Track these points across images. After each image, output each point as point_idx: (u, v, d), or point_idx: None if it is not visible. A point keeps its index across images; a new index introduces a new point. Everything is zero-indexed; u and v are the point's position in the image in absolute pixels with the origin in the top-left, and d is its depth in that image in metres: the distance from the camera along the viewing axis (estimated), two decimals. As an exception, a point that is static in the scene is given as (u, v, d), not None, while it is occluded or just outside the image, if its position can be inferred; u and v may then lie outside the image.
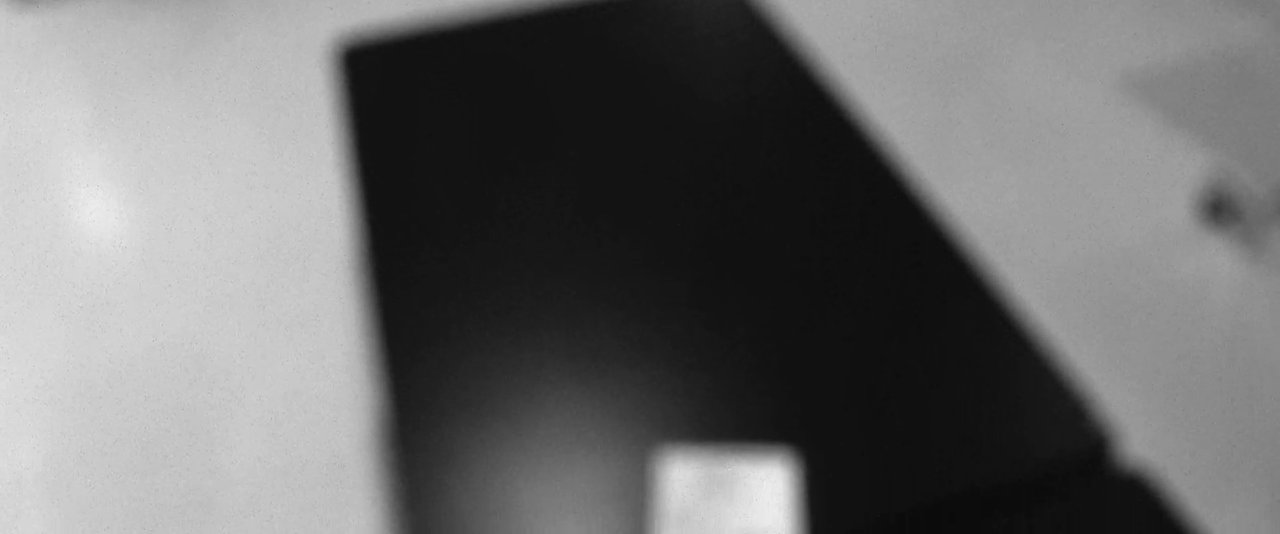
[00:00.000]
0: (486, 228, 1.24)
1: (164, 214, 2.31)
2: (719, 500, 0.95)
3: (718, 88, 1.46)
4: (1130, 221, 2.30)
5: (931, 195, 2.28)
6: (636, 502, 0.95)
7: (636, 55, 1.53)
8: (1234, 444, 1.82)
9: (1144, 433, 1.84)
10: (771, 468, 0.98)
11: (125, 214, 2.31)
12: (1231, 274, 2.16)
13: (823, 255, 1.19)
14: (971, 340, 1.08)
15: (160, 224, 2.28)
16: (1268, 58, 2.77)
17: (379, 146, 1.37)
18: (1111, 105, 2.63)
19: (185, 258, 2.18)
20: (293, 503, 1.70)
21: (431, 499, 0.95)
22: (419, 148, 1.37)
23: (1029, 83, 2.70)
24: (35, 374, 1.94)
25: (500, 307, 1.14)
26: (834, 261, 1.18)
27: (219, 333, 2.00)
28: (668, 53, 1.53)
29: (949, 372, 1.05)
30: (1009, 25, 2.90)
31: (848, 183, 1.29)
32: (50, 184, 2.43)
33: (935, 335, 1.09)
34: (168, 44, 2.89)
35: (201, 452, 1.78)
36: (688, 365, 1.07)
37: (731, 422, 1.01)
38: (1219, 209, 2.29)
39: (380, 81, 1.50)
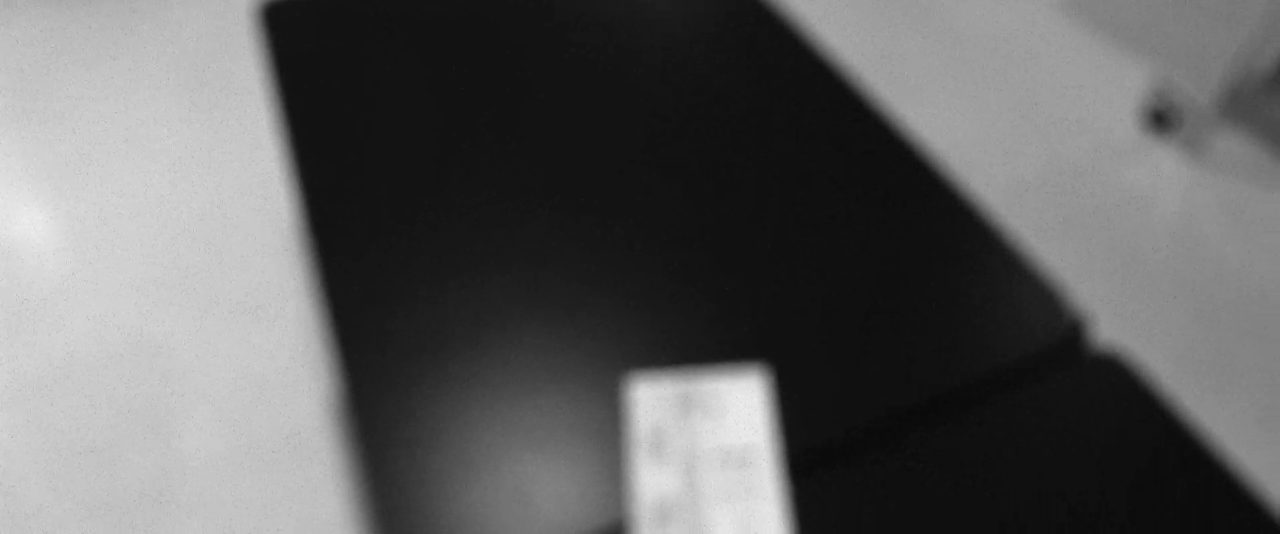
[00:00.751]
0: (433, 181, 1.19)
1: (97, 205, 2.22)
2: (695, 420, 0.92)
3: (670, 22, 1.42)
4: (1078, 136, 2.30)
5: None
6: (610, 432, 0.91)
7: (571, -8, 1.48)
8: (1190, 335, 1.83)
9: (1105, 334, 1.84)
10: (746, 384, 0.94)
11: (56, 208, 2.22)
12: (1178, 177, 2.17)
13: (784, 172, 1.15)
14: (940, 241, 1.06)
15: (93, 215, 2.19)
16: (1197, -33, 2.79)
17: (310, 109, 1.32)
18: (1054, 26, 2.63)
19: (123, 248, 2.10)
20: (254, 488, 1.64)
21: (394, 459, 0.91)
22: (353, 107, 1.31)
23: (974, 9, 2.69)
24: (-29, 380, 1.86)
25: (452, 256, 1.10)
26: (795, 177, 1.15)
27: (165, 322, 1.93)
28: (603, -13, 1.48)
29: (921, 274, 1.02)
30: (941, -46, 2.89)
31: (804, 101, 1.26)
32: (-30, 186, 2.33)
33: (904, 241, 1.06)
34: (87, 27, 2.77)
35: (155, 444, 1.71)
36: (654, 292, 1.04)
37: (704, 344, 0.98)
38: (1162, 118, 2.30)
39: (308, 40, 1.44)
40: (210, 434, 1.72)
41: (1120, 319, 1.88)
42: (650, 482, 0.87)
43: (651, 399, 0.94)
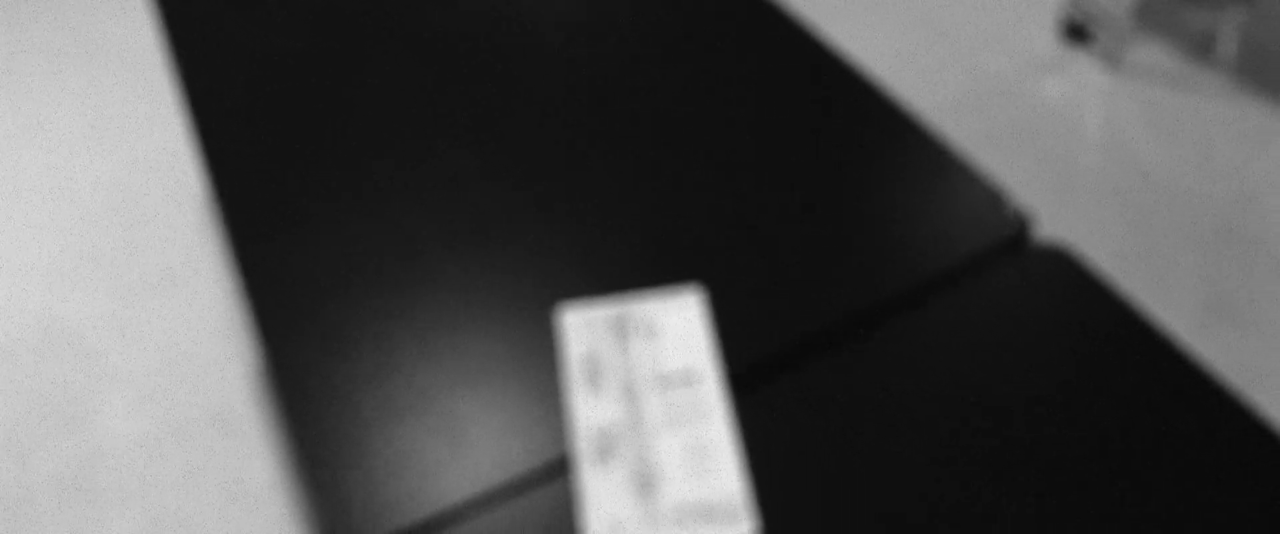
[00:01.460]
0: (342, 123, 1.13)
1: (-13, 190, 2.09)
2: (632, 346, 0.88)
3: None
4: (998, 53, 2.30)
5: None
6: (547, 365, 0.87)
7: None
8: (1123, 239, 1.84)
9: (1041, 236, 1.84)
10: (683, 304, 0.91)
11: (-58, 197, 2.09)
12: (1099, 87, 2.18)
13: (710, 93, 1.11)
14: (877, 148, 1.03)
15: (-16, 201, 2.07)
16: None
17: (208, 69, 1.23)
18: (963, -55, 2.62)
19: (27, 231, 1.98)
20: (179, 468, 1.57)
21: (317, 410, 0.85)
22: (252, 59, 1.23)
23: (880, -66, 2.66)
24: None
25: (367, 197, 1.03)
26: (724, 98, 1.10)
27: (76, 303, 1.83)
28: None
29: (861, 182, 0.99)
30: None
31: (726, 20, 1.21)
32: None
33: (841, 151, 1.03)
34: (-39, 13, 2.61)
35: (72, 431, 1.63)
36: (582, 220, 0.99)
37: (640, 268, 0.94)
38: (1079, 31, 2.30)
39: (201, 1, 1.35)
40: (131, 416, 1.64)
41: (1054, 228, 1.88)
42: (588, 413, 0.83)
43: (582, 326, 0.89)
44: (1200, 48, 2.28)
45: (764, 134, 1.06)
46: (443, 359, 0.88)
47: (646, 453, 0.80)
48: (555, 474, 0.80)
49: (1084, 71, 2.22)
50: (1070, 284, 0.88)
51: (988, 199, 0.96)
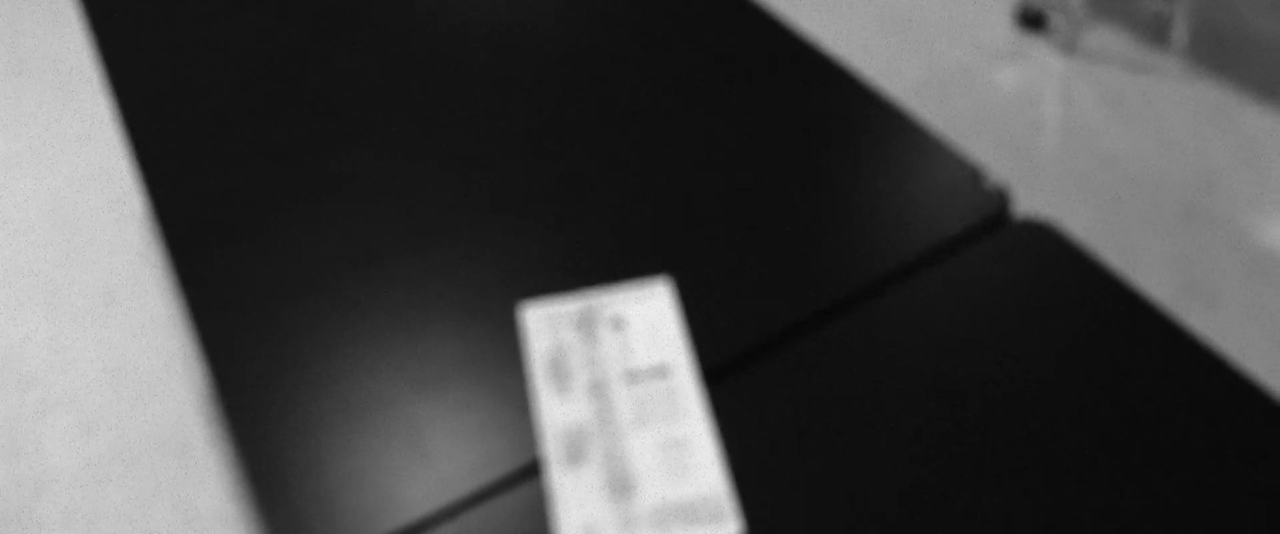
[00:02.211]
0: (282, 122, 1.07)
1: (-85, 214, 2.00)
2: (599, 342, 0.83)
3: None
4: (955, 43, 2.28)
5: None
6: (515, 367, 0.82)
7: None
8: (1090, 224, 1.82)
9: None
10: (653, 296, 0.86)
11: None
12: (1057, 74, 2.17)
13: (678, 80, 1.07)
14: (851, 132, 0.99)
15: (-87, 225, 1.97)
16: None
17: (142, 78, 1.17)
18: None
19: (-50, 256, 1.89)
20: (129, 495, 1.49)
21: (268, 427, 0.79)
22: (187, 65, 1.17)
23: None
24: None
25: (316, 200, 0.98)
26: (691, 85, 1.06)
27: (15, 327, 1.74)
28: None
29: (838, 166, 0.95)
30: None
31: (690, 5, 1.17)
32: None
33: (816, 137, 0.99)
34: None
35: (14, 461, 1.54)
36: (546, 215, 0.94)
37: (609, 262, 0.89)
38: (1036, 19, 2.29)
39: (130, 4, 1.28)
40: (75, 443, 1.56)
41: (1019, 207, 1.86)
42: (555, 413, 0.78)
43: (545, 322, 0.84)
44: (1154, 32, 2.28)
45: (734, 121, 1.02)
46: (402, 365, 0.83)
47: (619, 452, 0.75)
48: (526, 479, 0.75)
49: (1041, 58, 2.21)
50: (1053, 257, 0.85)
51: (966, 176, 0.93)
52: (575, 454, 0.75)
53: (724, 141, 0.99)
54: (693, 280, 0.87)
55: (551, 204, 0.95)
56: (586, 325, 0.84)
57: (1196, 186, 1.89)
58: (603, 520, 0.71)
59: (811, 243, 0.88)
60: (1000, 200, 0.90)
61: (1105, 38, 2.26)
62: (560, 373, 0.81)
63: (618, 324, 0.84)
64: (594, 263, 0.89)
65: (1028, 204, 1.88)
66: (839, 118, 1.01)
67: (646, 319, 0.84)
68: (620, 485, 0.73)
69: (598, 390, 0.79)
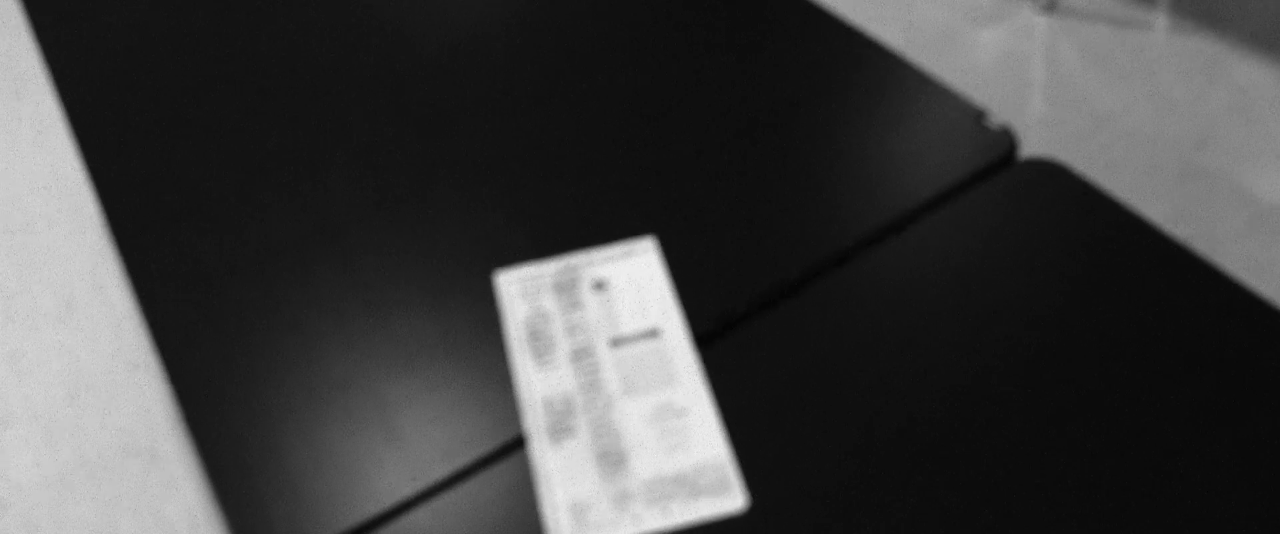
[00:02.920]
0: (234, 99, 0.99)
1: None
2: (582, 308, 0.76)
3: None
4: (937, 4, 2.22)
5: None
6: (495, 340, 0.75)
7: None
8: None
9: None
10: (638, 254, 0.79)
11: None
12: (1040, 31, 2.11)
13: (661, 35, 1.00)
14: (848, 79, 0.92)
15: None
16: None
17: (89, 75, 1.09)
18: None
19: (-101, 268, 1.81)
20: (95, 506, 1.41)
21: (229, 423, 0.72)
22: (126, 39, 1.09)
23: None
24: None
25: (272, 182, 0.90)
26: (676, 39, 0.99)
27: (-40, 340, 1.66)
28: None
29: (836, 116, 0.89)
30: None
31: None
32: None
33: (811, 86, 0.92)
34: None
35: (-32, 476, 1.46)
36: (524, 179, 0.87)
37: (594, 225, 0.82)
38: (1016, -22, 2.24)
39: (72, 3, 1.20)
40: (37, 456, 1.48)
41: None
42: (535, 384, 0.71)
43: (521, 288, 0.77)
44: (1138, -12, 2.23)
45: (723, 70, 0.95)
46: (371, 342, 0.76)
47: (609, 423, 0.69)
48: (508, 456, 0.68)
49: (1024, 17, 2.16)
50: (1065, 193, 0.79)
51: (970, 118, 0.87)
52: (561, 427, 0.69)
53: (713, 92, 0.93)
54: (683, 238, 0.80)
55: (525, 165, 0.88)
56: (567, 289, 0.77)
57: (1191, 142, 1.84)
58: (594, 497, 0.64)
59: (812, 196, 0.82)
60: (1008, 140, 0.84)
61: (1088, -4, 2.21)
62: (541, 341, 0.74)
63: (601, 286, 0.77)
64: (575, 226, 0.82)
65: (1019, 166, 1.82)
66: (835, 65, 0.94)
67: (632, 279, 0.77)
68: (611, 458, 0.67)
69: (582, 358, 0.72)
